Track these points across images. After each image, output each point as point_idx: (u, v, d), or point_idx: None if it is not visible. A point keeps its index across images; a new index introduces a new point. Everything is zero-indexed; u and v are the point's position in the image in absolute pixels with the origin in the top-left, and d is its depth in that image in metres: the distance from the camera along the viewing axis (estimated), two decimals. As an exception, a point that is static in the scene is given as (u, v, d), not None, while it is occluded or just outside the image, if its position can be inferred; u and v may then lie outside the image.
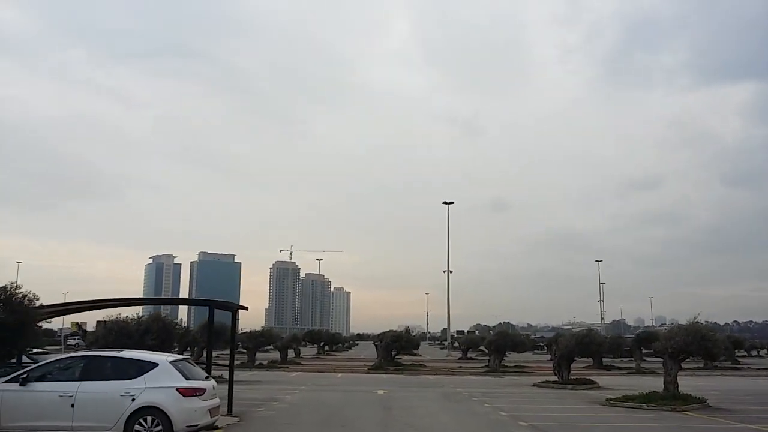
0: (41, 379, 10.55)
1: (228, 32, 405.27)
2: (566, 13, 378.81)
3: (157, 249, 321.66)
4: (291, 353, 52.79)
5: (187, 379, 10.69)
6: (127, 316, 20.00)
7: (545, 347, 72.80)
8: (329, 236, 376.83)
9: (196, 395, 10.58)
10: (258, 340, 41.93)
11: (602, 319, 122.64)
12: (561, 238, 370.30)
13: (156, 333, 19.47)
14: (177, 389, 10.41)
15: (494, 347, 40.95)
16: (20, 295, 12.55)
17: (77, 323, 22.08)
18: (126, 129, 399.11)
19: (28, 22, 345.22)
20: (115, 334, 19.36)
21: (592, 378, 29.43)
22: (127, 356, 11.05)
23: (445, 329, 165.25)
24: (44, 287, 18.23)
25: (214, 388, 11.42)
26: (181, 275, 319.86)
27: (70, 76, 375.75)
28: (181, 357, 11.63)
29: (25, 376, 10.48)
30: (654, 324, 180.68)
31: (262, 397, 21.02)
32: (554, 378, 28.87)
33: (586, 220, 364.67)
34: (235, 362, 42.30)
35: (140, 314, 20.04)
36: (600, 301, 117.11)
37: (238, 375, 33.04)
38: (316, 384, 28.17)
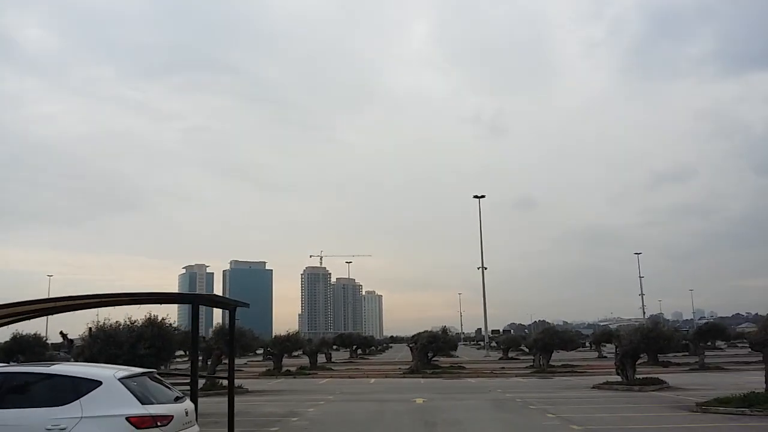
0: None
1: (252, 43, 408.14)
2: (589, 7, 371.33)
3: (190, 259, 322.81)
4: (322, 358, 49.95)
5: (143, 403, 7.38)
6: (117, 322, 16.99)
7: (589, 345, 68.97)
8: (358, 241, 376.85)
9: (158, 425, 7.29)
10: (284, 345, 38.88)
11: (644, 313, 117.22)
12: (592, 234, 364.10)
13: (149, 340, 16.37)
14: (127, 419, 7.13)
15: (540, 346, 37.24)
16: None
17: (62, 332, 19.31)
18: (155, 142, 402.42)
19: (56, 41, 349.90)
20: (101, 342, 16.35)
21: (659, 377, 25.71)
22: (58, 372, 7.71)
23: (479, 329, 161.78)
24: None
25: (187, 413, 8.08)
26: (214, 284, 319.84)
27: (99, 92, 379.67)
28: (138, 371, 8.29)
29: None
30: (694, 317, 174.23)
31: (280, 412, 17.79)
32: (616, 378, 25.24)
33: (617, 214, 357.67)
34: (261, 369, 40.39)
35: (131, 318, 16.95)
36: (641, 295, 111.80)
37: (262, 384, 30.19)
38: (345, 392, 24.90)
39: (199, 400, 20.86)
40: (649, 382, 24.33)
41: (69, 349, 19.20)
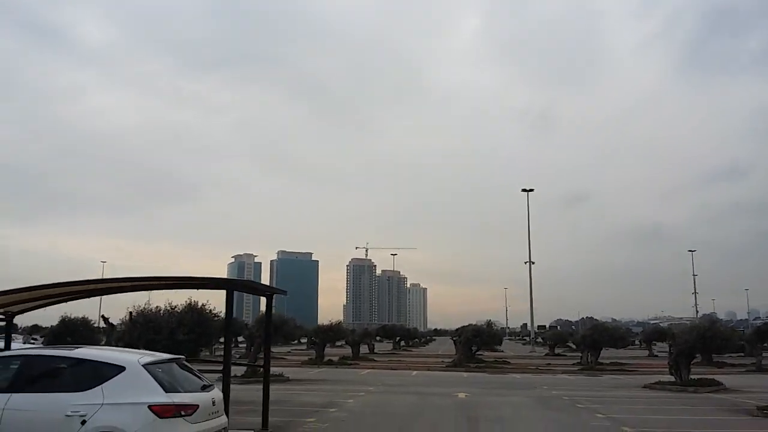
0: None
1: (301, 37, 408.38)
2: (643, 0, 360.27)
3: (239, 248, 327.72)
4: (365, 349, 49.75)
5: (168, 391, 7.01)
6: (157, 307, 16.87)
7: (638, 343, 66.99)
8: (404, 233, 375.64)
9: (182, 415, 6.92)
10: (327, 334, 38.64)
11: (696, 312, 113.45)
12: (643, 231, 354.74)
13: (189, 326, 16.17)
14: (150, 407, 6.78)
15: (589, 342, 36.04)
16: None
17: (103, 316, 19.28)
18: (207, 134, 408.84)
19: (110, 34, 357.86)
20: (140, 327, 16.23)
21: (714, 378, 24.46)
22: (80, 356, 7.40)
23: (524, 324, 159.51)
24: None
25: (214, 402, 7.68)
26: (262, 273, 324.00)
27: (153, 84, 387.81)
28: (165, 357, 7.93)
29: None
30: (748, 317, 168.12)
31: (319, 402, 17.43)
32: (668, 378, 24.09)
33: (670, 212, 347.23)
34: (304, 358, 40.32)
35: (171, 303, 16.79)
36: (694, 293, 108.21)
37: (303, 372, 29.99)
38: (386, 384, 24.46)
39: (240, 387, 20.76)
40: (704, 383, 23.13)
41: (110, 333, 19.19)
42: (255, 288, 11.52)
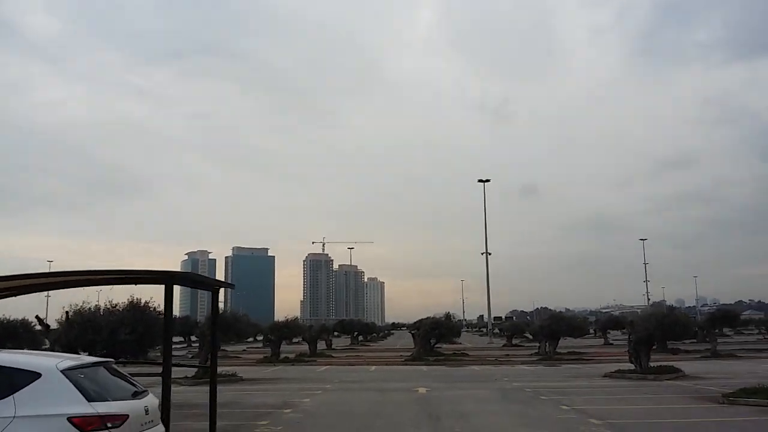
0: None
1: (256, 29, 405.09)
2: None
3: (192, 245, 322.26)
4: (323, 345, 48.87)
5: (91, 399, 6.10)
6: (97, 305, 15.73)
7: (593, 331, 67.80)
8: (361, 227, 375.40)
9: (108, 427, 6.02)
10: (282, 331, 37.61)
11: (648, 300, 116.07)
12: (594, 221, 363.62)
13: (131, 325, 15.09)
14: (69, 419, 5.86)
15: (547, 332, 35.94)
16: None
17: (37, 316, 17.99)
18: (159, 128, 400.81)
19: (59, 27, 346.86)
20: (78, 328, 15.08)
21: (673, 365, 24.48)
22: (-12, 360, 6.47)
23: (481, 316, 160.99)
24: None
25: (147, 411, 6.79)
26: (216, 270, 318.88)
27: (102, 78, 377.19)
28: (89, 360, 6.99)
29: None
30: (697, 304, 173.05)
31: (273, 402, 16.56)
32: (627, 366, 23.97)
33: (620, 201, 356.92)
34: (259, 356, 39.17)
35: (112, 301, 15.66)
36: (646, 281, 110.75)
37: (257, 371, 28.94)
38: (344, 381, 23.70)
39: (190, 389, 19.68)
40: (664, 371, 23.12)
41: (46, 335, 17.91)
42: (197, 281, 10.52)
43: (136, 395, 6.85)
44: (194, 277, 9.89)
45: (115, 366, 7.40)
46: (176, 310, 18.30)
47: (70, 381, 6.18)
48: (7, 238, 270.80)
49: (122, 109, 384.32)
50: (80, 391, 6.13)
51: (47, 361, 6.42)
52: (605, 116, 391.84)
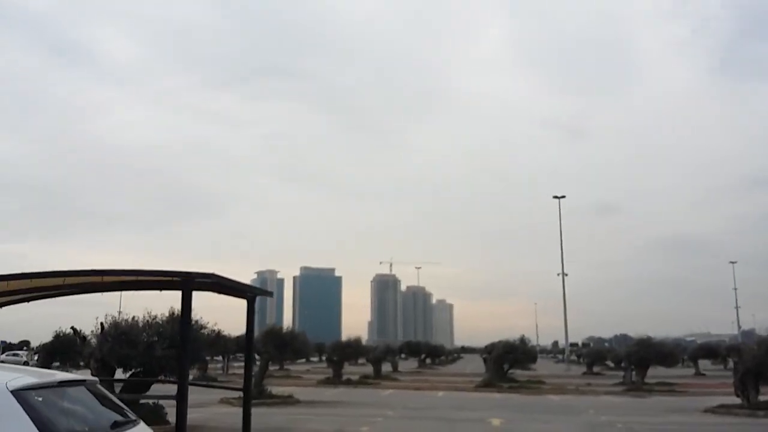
0: None
1: (325, 50, 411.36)
2: (672, 4, 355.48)
3: (262, 265, 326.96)
4: (388, 367, 46.82)
5: (44, 430, 4.32)
6: (134, 317, 14.25)
7: (682, 360, 63.04)
8: (429, 247, 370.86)
9: None
10: (345, 351, 35.82)
11: (739, 327, 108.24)
12: (678, 243, 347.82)
13: (169, 339, 13.49)
14: None
15: (635, 360, 32.63)
16: None
17: (73, 327, 16.89)
18: (230, 149, 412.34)
19: (135, 51, 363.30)
20: (112, 341, 13.59)
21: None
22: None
23: (555, 341, 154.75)
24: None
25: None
26: (285, 290, 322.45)
27: (179, 100, 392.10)
28: (56, 379, 5.21)
29: None
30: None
31: (326, 430, 14.69)
32: (732, 400, 20.89)
33: (707, 222, 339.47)
34: (321, 377, 37.49)
35: (150, 312, 14.14)
36: (736, 308, 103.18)
37: (317, 393, 27.12)
38: (408, 407, 21.57)
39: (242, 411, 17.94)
40: (776, 406, 19.92)
41: (82, 348, 16.63)
42: (226, 286, 8.68)
43: (117, 426, 5.02)
44: (223, 281, 8.01)
45: (99, 387, 5.61)
46: (238, 325, 16.70)
47: (22, 405, 4.39)
48: (87, 256, 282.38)
49: (195, 130, 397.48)
50: (31, 418, 4.33)
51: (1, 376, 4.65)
52: (685, 132, 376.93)
